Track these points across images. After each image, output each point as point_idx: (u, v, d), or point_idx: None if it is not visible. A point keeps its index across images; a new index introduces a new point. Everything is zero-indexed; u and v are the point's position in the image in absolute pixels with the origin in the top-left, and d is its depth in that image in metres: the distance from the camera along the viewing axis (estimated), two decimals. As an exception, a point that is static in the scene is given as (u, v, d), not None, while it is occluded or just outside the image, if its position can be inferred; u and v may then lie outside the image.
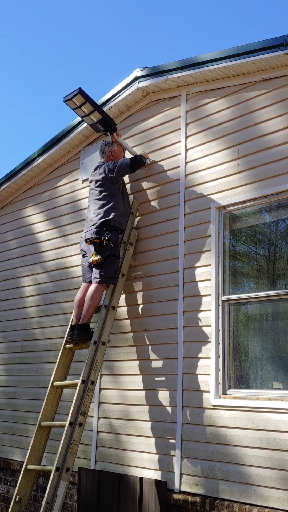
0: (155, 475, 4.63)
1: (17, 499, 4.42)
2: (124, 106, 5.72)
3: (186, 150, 5.08)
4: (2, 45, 28.22)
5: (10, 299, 6.78)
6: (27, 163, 6.68)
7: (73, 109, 5.17)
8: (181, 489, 4.42)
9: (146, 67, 5.39)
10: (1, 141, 31.28)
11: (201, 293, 4.64)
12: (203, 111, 5.03)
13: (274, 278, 4.55)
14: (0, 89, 30.03)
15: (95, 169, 5.27)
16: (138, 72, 5.43)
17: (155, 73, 5.29)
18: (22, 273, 6.68)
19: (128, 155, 5.50)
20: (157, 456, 4.67)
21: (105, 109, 5.61)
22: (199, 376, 4.51)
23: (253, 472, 4.02)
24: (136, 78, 5.45)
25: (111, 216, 4.91)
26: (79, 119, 5.94)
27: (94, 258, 4.79)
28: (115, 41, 28.23)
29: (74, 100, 5.05)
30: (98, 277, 4.79)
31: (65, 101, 5.10)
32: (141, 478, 4.66)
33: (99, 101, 5.66)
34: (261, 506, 3.91)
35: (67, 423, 4.29)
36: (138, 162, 5.09)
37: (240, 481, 4.08)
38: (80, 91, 5.00)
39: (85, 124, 5.85)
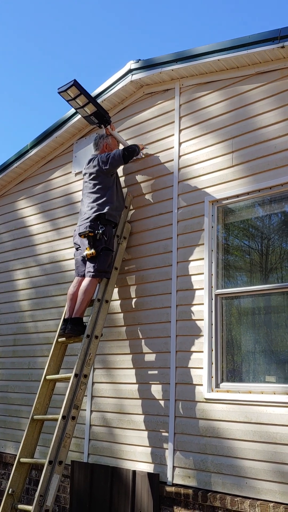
0: (148, 468, 4.65)
1: (10, 492, 4.42)
2: (117, 99, 5.69)
3: (180, 144, 5.06)
4: (-6, 36, 27.98)
5: (2, 292, 6.75)
6: (20, 155, 6.65)
7: (68, 101, 5.13)
8: (174, 482, 4.44)
9: (139, 60, 5.36)
10: (-7, 133, 31.07)
11: (194, 287, 4.65)
12: (197, 104, 5.02)
13: (267, 272, 4.56)
14: (-8, 81, 29.80)
15: (89, 162, 5.24)
16: (131, 64, 5.40)
17: (148, 65, 5.26)
18: (15, 266, 6.66)
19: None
20: (149, 449, 4.69)
21: (98, 101, 5.58)
22: (192, 370, 4.53)
23: (245, 464, 4.05)
24: (130, 71, 5.42)
25: (105, 210, 4.89)
26: (72, 111, 5.91)
27: (88, 252, 4.77)
28: (110, 32, 28.07)
29: (69, 92, 5.02)
30: (92, 271, 4.78)
31: (59, 93, 5.07)
32: (134, 471, 4.67)
33: (93, 94, 5.63)
34: (253, 499, 3.93)
35: (60, 417, 4.29)
36: (131, 152, 5.05)
37: (232, 473, 4.10)
38: (75, 83, 4.97)
39: (79, 117, 5.82)
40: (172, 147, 5.12)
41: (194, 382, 4.48)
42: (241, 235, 4.86)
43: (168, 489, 4.41)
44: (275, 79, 4.50)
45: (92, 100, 5.13)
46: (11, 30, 27.78)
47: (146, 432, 4.75)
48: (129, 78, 5.44)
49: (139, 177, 5.37)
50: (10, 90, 30.66)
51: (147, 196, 5.25)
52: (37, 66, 30.07)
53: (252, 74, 4.65)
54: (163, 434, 4.61)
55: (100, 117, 5.23)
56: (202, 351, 4.48)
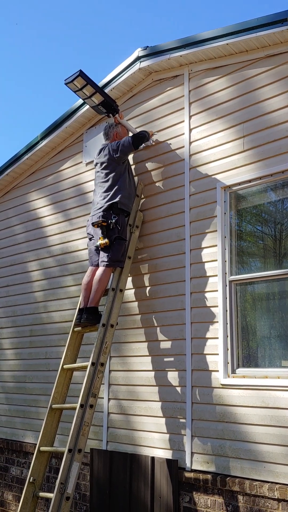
0: (166, 454, 4.69)
1: (31, 480, 4.49)
2: (126, 87, 5.66)
3: (190, 130, 5.03)
4: (2, 29, 27.91)
5: (17, 284, 6.81)
6: (30, 147, 6.66)
7: (75, 92, 5.13)
8: (193, 468, 4.48)
9: (147, 47, 5.32)
10: (3, 126, 31.14)
11: (208, 274, 4.64)
12: (207, 90, 4.98)
13: (280, 257, 4.54)
14: (0, 73, 29.79)
15: (100, 152, 5.24)
16: (139, 52, 5.36)
17: (156, 52, 5.22)
18: (29, 258, 6.70)
19: (132, 137, 5.47)
20: (167, 435, 4.72)
21: (107, 90, 5.56)
22: (207, 356, 4.54)
23: (263, 449, 4.06)
24: (138, 58, 5.39)
25: (117, 199, 4.89)
26: (81, 101, 5.90)
27: (102, 241, 4.79)
28: (116, 21, 27.84)
29: (75, 83, 5.00)
30: (106, 260, 4.80)
31: (66, 84, 5.06)
32: (153, 458, 4.72)
33: (101, 83, 5.61)
34: (272, 482, 3.95)
35: (78, 405, 4.34)
36: (141, 138, 5.04)
37: (250, 458, 4.13)
38: (81, 73, 4.95)
39: (87, 107, 5.81)
40: (183, 134, 5.09)
41: (210, 369, 4.50)
42: (254, 221, 4.83)
43: (187, 474, 4.45)
44: (284, 62, 4.44)
45: (99, 89, 5.12)
46: (19, 19, 27.67)
47: (163, 419, 4.78)
48: (137, 65, 5.40)
49: (149, 165, 5.35)
50: (19, 84, 30.63)
51: (158, 184, 5.24)
52: (44, 58, 29.98)
53: (262, 57, 4.59)
54: (181, 420, 4.64)
55: (108, 106, 5.21)
56: (217, 338, 4.49)
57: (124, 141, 5.02)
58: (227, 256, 4.56)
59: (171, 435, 4.70)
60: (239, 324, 4.49)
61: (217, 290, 4.55)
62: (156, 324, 5.01)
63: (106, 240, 4.78)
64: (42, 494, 4.47)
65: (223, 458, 4.30)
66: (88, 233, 5.18)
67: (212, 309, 4.57)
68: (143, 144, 5.20)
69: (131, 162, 5.45)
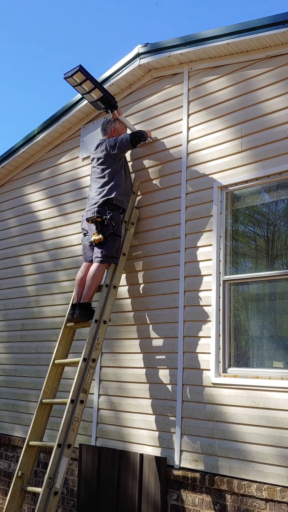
0: (155, 451, 4.70)
1: (19, 474, 4.48)
2: (125, 83, 5.65)
3: (188, 128, 5.03)
4: (2, 22, 27.72)
5: (10, 278, 6.79)
6: (27, 140, 6.62)
7: (74, 86, 5.10)
8: (181, 465, 4.49)
9: (148, 43, 5.30)
10: (0, 118, 30.96)
11: (202, 273, 4.65)
12: (206, 89, 4.97)
13: (273, 258, 4.56)
14: (-3, 65, 29.61)
15: (97, 147, 5.22)
16: (139, 48, 5.35)
17: (157, 49, 5.21)
18: (22, 251, 6.68)
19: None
20: (157, 433, 4.73)
21: (106, 86, 5.54)
22: (199, 355, 4.55)
23: (252, 449, 4.08)
24: (138, 55, 5.37)
25: (113, 195, 4.89)
26: (79, 96, 5.88)
27: (96, 237, 4.78)
28: (117, 16, 27.74)
29: (75, 78, 4.98)
30: (100, 256, 4.79)
31: (65, 78, 5.03)
32: (141, 455, 4.73)
33: (100, 78, 5.59)
34: (260, 482, 3.97)
35: (68, 400, 4.33)
36: (139, 136, 5.04)
37: (239, 457, 4.14)
38: (81, 68, 4.93)
39: (86, 101, 5.78)
40: (181, 132, 5.09)
41: (201, 367, 4.51)
42: (248, 221, 4.84)
43: (176, 472, 4.46)
44: (285, 63, 4.45)
45: (98, 85, 5.10)
46: (19, 16, 27.52)
47: (153, 416, 4.79)
48: (137, 62, 5.39)
49: (147, 162, 5.35)
50: (17, 75, 30.47)
51: (155, 182, 5.24)
52: (43, 51, 29.83)
53: (262, 58, 4.60)
54: (171, 418, 4.65)
55: (107, 102, 5.19)
56: (209, 337, 4.50)
57: (122, 138, 5.01)
58: (221, 255, 4.57)
59: (161, 433, 4.70)
60: (231, 324, 4.50)
61: (210, 289, 4.56)
62: (148, 322, 5.01)
63: (100, 236, 4.77)
64: (30, 488, 4.46)
65: (212, 457, 4.31)
66: (82, 229, 5.17)
67: (205, 308, 4.57)
68: (141, 142, 5.19)
69: (128, 158, 5.44)
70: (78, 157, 6.17)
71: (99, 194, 4.96)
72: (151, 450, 4.74)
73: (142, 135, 5.07)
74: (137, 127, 5.44)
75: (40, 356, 6.12)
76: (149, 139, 5.27)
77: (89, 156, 5.81)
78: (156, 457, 4.62)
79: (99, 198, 4.91)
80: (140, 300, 5.12)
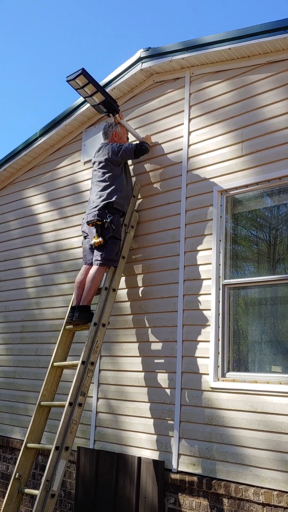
0: (153, 455, 4.70)
1: (16, 476, 4.48)
2: (127, 87, 5.67)
3: (189, 133, 5.05)
4: (3, 25, 27.83)
5: (10, 280, 6.80)
6: (28, 143, 6.65)
7: (76, 90, 5.13)
8: (179, 469, 4.49)
9: (150, 48, 5.33)
10: (2, 121, 31.06)
11: (202, 277, 4.66)
12: (207, 94, 4.99)
13: (274, 263, 4.56)
14: (1, 68, 29.72)
15: (98, 150, 5.25)
16: (141, 52, 5.38)
17: (159, 54, 5.23)
18: (23, 253, 6.69)
19: (130, 137, 5.48)
20: (155, 436, 4.73)
21: (108, 90, 5.57)
22: (198, 359, 4.55)
23: (250, 453, 4.08)
24: (140, 59, 5.40)
25: (113, 199, 4.91)
26: (81, 100, 5.90)
27: (96, 240, 4.79)
28: (119, 21, 27.85)
29: (77, 81, 5.01)
30: (100, 259, 4.80)
31: (68, 81, 5.06)
32: (139, 458, 4.72)
33: (102, 82, 5.62)
34: (257, 487, 3.97)
35: (67, 403, 4.34)
36: (143, 149, 5.07)
37: (237, 462, 4.14)
38: (83, 72, 4.96)
39: (87, 105, 5.81)
40: (182, 136, 5.11)
41: (200, 371, 4.51)
42: (249, 225, 4.85)
43: (173, 476, 4.46)
44: (286, 68, 4.46)
45: (101, 89, 5.12)
46: (23, 16, 27.64)
47: (151, 420, 4.79)
48: (139, 66, 5.41)
49: (147, 166, 5.36)
50: (19, 79, 30.58)
51: (155, 185, 5.25)
52: (46, 55, 29.94)
53: (263, 64, 4.62)
54: (169, 422, 4.65)
55: (109, 106, 5.22)
56: (208, 341, 4.50)
57: (127, 147, 5.04)
58: (221, 259, 4.57)
59: (159, 436, 4.70)
60: (231, 328, 4.51)
61: (210, 293, 4.56)
62: (147, 325, 5.02)
63: (100, 239, 4.79)
64: (27, 490, 4.47)
65: (210, 461, 4.31)
66: (83, 232, 5.18)
67: (205, 312, 4.58)
68: (143, 155, 5.21)
69: (129, 162, 5.46)
70: (79, 160, 6.19)
71: (100, 197, 4.97)
72: (149, 454, 4.73)
73: (147, 149, 5.11)
74: (139, 131, 5.46)
75: (39, 358, 6.12)
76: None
77: (90, 160, 5.83)
78: (154, 461, 4.62)
79: (100, 202, 4.93)
80: (139, 304, 5.13)
